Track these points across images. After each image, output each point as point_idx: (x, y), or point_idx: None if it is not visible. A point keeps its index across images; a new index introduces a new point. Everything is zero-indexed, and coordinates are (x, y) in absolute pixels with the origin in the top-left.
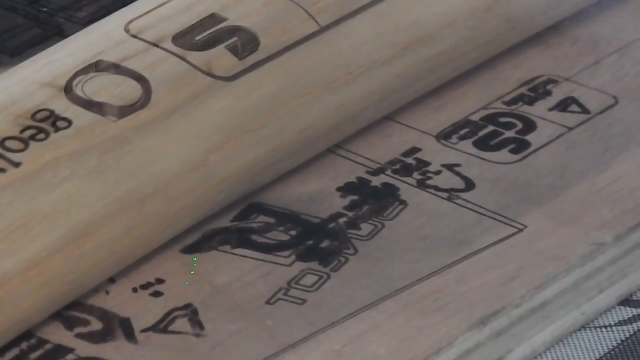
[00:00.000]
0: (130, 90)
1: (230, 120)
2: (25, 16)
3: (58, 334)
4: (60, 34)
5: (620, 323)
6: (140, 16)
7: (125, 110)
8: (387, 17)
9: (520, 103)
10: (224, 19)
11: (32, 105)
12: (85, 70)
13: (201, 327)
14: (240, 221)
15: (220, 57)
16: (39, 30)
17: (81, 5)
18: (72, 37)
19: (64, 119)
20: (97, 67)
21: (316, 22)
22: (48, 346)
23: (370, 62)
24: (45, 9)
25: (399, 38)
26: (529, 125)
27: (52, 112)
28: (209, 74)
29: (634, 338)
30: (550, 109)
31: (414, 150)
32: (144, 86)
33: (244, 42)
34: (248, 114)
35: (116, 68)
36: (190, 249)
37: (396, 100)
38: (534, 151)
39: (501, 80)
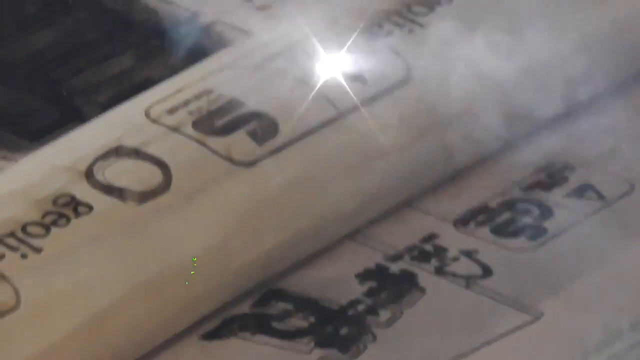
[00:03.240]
0: (150, 175)
1: (249, 205)
2: (45, 99)
3: None
4: (80, 117)
5: None
6: (161, 101)
7: (146, 196)
8: (405, 103)
9: (537, 189)
10: (243, 104)
11: (53, 190)
12: (105, 156)
13: None
14: (260, 307)
15: (240, 142)
16: (59, 114)
17: (101, 89)
18: (92, 121)
19: (85, 204)
20: (117, 152)
21: (335, 107)
22: None
23: (388, 148)
24: (64, 93)
25: (417, 124)
26: (546, 212)
27: (73, 197)
28: (229, 159)
29: None
30: (567, 196)
31: (431, 236)
32: (164, 171)
33: (263, 128)
34: (267, 199)
35: (137, 153)
36: (210, 335)
37: (414, 186)
38: (551, 238)
39: (518, 166)
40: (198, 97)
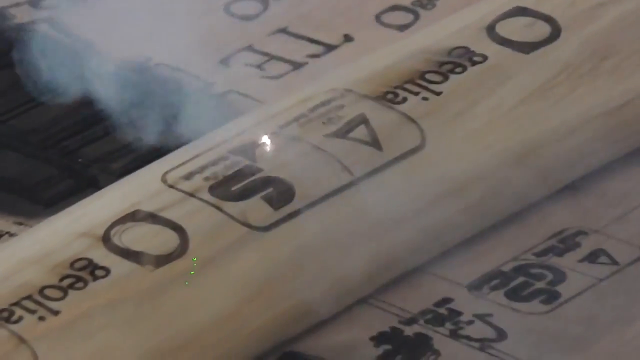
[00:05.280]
0: (167, 239)
1: (265, 271)
2: (60, 167)
3: None
4: (95, 185)
5: None
6: (177, 167)
7: (162, 260)
8: (418, 170)
9: (550, 254)
10: (259, 170)
11: (71, 254)
12: (122, 220)
13: None
14: None
15: (256, 208)
16: (74, 182)
17: (116, 157)
18: (109, 187)
19: (102, 267)
20: (134, 217)
21: (350, 172)
22: None
23: (403, 214)
24: (80, 160)
25: (431, 190)
26: (559, 277)
27: (90, 260)
28: (245, 224)
29: None
30: (580, 261)
31: (445, 300)
32: (181, 236)
33: (279, 193)
34: (282, 264)
35: (153, 218)
36: None
37: (428, 252)
38: (565, 302)
39: (531, 231)
40: (214, 163)
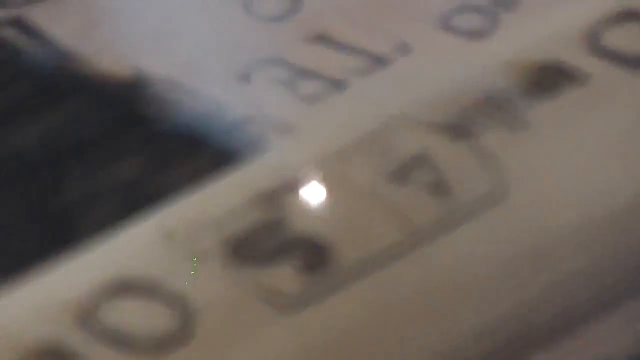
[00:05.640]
0: (167, 318)
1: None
2: (29, 214)
3: None
4: (75, 238)
5: None
6: (183, 220)
7: (160, 345)
8: (500, 225)
9: None
10: (288, 227)
11: (36, 338)
12: (107, 292)
13: None
14: None
15: (283, 277)
16: (47, 234)
17: (101, 201)
18: (91, 246)
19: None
20: (124, 288)
21: (409, 227)
22: None
23: (477, 285)
24: (55, 205)
25: (515, 254)
26: None
27: (61, 350)
28: (268, 300)
29: None
30: None
31: None
32: (185, 314)
33: (312, 257)
34: (318, 351)
35: (151, 291)
36: None
37: (510, 334)
38: None
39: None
40: (231, 216)
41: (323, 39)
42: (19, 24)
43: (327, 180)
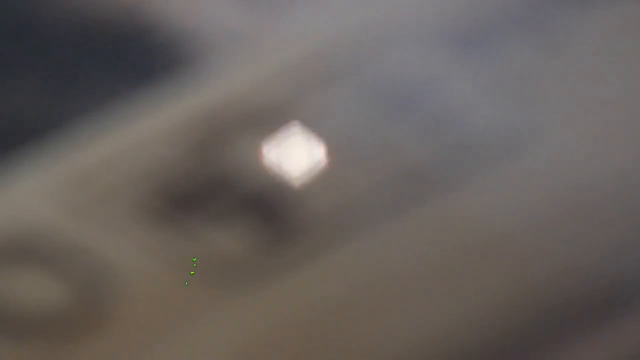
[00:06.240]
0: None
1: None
2: None
3: None
4: None
5: None
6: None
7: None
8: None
9: None
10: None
11: None
12: None
13: None
14: None
15: (232, 246)
16: None
17: None
18: None
19: None
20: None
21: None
22: None
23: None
24: None
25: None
26: None
27: None
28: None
29: None
30: None
31: None
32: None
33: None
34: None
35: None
36: None
37: None
38: None
39: None
40: (164, 161)
41: None
42: None
43: (286, 113)
